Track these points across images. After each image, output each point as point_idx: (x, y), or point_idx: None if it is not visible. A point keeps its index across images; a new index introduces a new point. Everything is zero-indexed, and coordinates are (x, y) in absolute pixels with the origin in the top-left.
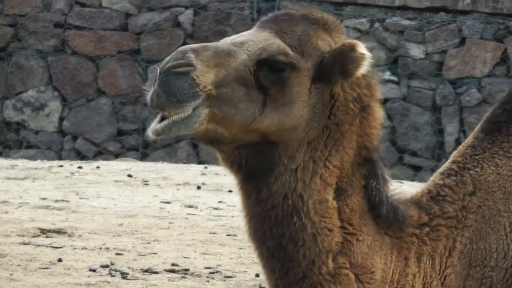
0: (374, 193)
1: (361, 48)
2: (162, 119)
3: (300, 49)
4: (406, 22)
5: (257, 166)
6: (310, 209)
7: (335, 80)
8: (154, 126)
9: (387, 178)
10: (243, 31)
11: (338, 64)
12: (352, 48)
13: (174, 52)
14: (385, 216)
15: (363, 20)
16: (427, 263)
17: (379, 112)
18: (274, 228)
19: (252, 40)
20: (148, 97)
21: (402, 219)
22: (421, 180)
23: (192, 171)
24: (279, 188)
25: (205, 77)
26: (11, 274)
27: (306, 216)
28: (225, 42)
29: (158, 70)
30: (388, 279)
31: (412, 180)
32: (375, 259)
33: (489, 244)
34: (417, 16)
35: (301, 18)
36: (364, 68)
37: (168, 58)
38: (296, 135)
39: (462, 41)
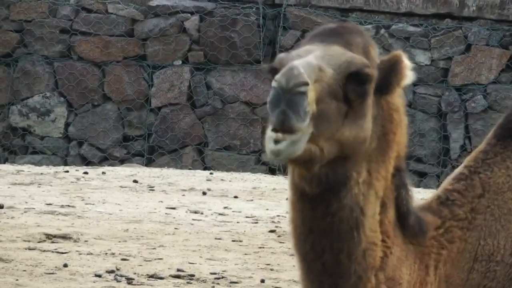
0: (404, 203)
1: (406, 59)
2: (276, 141)
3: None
4: (411, 29)
5: (334, 182)
6: (367, 222)
7: (393, 91)
8: (273, 147)
9: (412, 188)
10: (249, 37)
11: (394, 75)
12: (402, 59)
13: (288, 68)
14: (411, 227)
15: (369, 26)
16: (442, 269)
17: (406, 120)
18: (336, 242)
19: (329, 54)
20: (276, 116)
21: (426, 229)
22: (426, 186)
23: (198, 177)
24: (348, 201)
25: (311, 94)
26: (17, 280)
27: (363, 230)
28: (308, 56)
29: (280, 89)
30: None
31: (418, 186)
32: (402, 271)
33: (498, 240)
34: (423, 22)
35: (356, 31)
36: (410, 79)
37: (285, 75)
38: (364, 148)
39: (468, 47)
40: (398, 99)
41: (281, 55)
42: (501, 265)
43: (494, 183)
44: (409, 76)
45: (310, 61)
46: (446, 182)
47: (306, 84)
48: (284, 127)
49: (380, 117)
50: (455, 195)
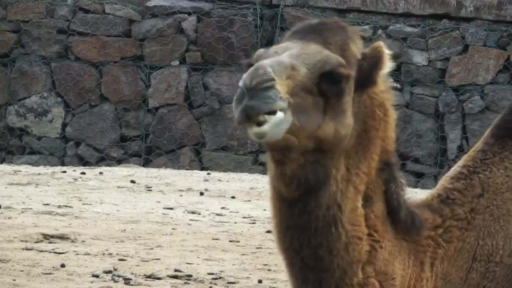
0: (394, 197)
1: (386, 48)
2: (259, 124)
3: (344, 58)
4: (409, 29)
5: (314, 183)
6: (345, 218)
7: (374, 85)
8: (257, 130)
9: (403, 181)
10: (247, 37)
11: (377, 69)
12: (382, 50)
13: (254, 69)
14: (403, 221)
15: (366, 27)
16: (439, 266)
17: (394, 115)
18: (313, 238)
19: (305, 52)
20: (239, 112)
21: (420, 224)
22: (423, 187)
23: (195, 177)
24: (326, 199)
25: (282, 87)
26: (14, 280)
27: (342, 226)
28: (283, 56)
29: (244, 87)
30: (406, 285)
31: (415, 187)
32: (395, 265)
33: (497, 241)
34: (420, 23)
35: (337, 27)
36: (388, 68)
37: (250, 75)
38: (343, 144)
39: (465, 48)
40: (383, 94)
41: (259, 51)
42: (500, 266)
43: (493, 183)
44: (388, 64)
45: (282, 60)
46: (445, 181)
47: (272, 79)
48: (250, 116)
49: (361, 113)
50: (456, 194)
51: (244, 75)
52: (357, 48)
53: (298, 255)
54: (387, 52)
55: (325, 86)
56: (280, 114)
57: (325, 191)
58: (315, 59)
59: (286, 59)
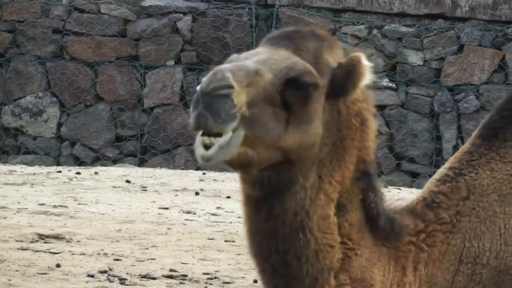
0: (372, 206)
1: (365, 59)
2: (206, 146)
3: (316, 66)
4: (404, 29)
5: (277, 186)
6: (314, 225)
7: (348, 94)
8: (202, 152)
9: (382, 191)
10: (242, 37)
11: (351, 78)
12: (360, 60)
13: (213, 72)
14: (382, 228)
15: (362, 27)
16: (423, 270)
17: (374, 125)
18: (280, 244)
19: (273, 58)
20: (193, 119)
21: (399, 230)
22: (419, 186)
23: (190, 177)
24: (292, 205)
25: (240, 97)
26: (9, 280)
27: (310, 232)
28: (248, 61)
29: (200, 91)
30: None
31: (410, 186)
32: (373, 272)
33: (483, 242)
34: (416, 23)
35: (311, 34)
36: (367, 80)
37: (208, 79)
38: (313, 153)
39: (460, 48)
40: (361, 104)
41: (232, 56)
42: (487, 268)
43: (479, 185)
44: (368, 76)
45: (246, 64)
46: (431, 183)
47: (230, 87)
48: (201, 129)
49: (335, 122)
50: (441, 197)
51: (204, 78)
52: (333, 57)
53: (267, 261)
54: (365, 63)
55: (289, 93)
56: (226, 137)
57: (290, 197)
58: (282, 65)
59: (251, 64)
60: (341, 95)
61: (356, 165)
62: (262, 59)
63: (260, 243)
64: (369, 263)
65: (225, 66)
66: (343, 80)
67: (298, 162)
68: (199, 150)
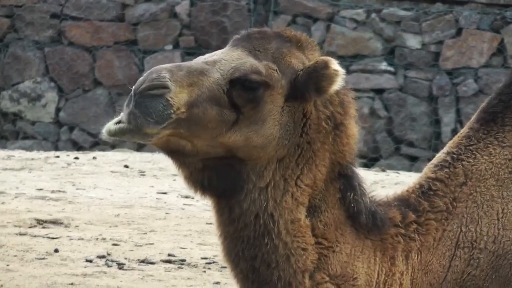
0: (353, 205)
1: (335, 64)
2: (119, 121)
3: (274, 67)
4: (402, 13)
5: (221, 186)
6: (282, 229)
7: (310, 98)
8: (109, 126)
9: (365, 187)
10: (240, 21)
11: (313, 82)
12: (326, 65)
13: (148, 72)
14: (364, 223)
15: (360, 10)
16: (416, 258)
17: (352, 129)
18: (247, 249)
19: (224, 59)
20: (124, 116)
21: (381, 223)
22: (417, 170)
23: None
24: (250, 206)
25: (179, 97)
26: (8, 265)
27: (277, 237)
28: (198, 61)
29: (133, 91)
30: (374, 282)
31: (409, 170)
32: (356, 265)
33: (481, 227)
34: (414, 6)
35: (274, 36)
36: (337, 85)
37: (142, 78)
38: (265, 153)
39: (459, 31)
40: (334, 108)
41: (197, 58)
42: (485, 253)
43: (476, 170)
44: (337, 82)
45: (189, 65)
46: (429, 169)
47: (164, 87)
48: (132, 126)
49: (298, 124)
50: (438, 184)
51: (140, 78)
52: (299, 59)
53: (237, 267)
54: (333, 68)
55: (237, 94)
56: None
57: (245, 196)
58: (230, 66)
59: (196, 64)
60: (303, 98)
61: (331, 168)
62: (213, 60)
63: (228, 248)
64: (350, 257)
65: (163, 65)
66: (304, 83)
67: (250, 161)
68: (108, 123)
